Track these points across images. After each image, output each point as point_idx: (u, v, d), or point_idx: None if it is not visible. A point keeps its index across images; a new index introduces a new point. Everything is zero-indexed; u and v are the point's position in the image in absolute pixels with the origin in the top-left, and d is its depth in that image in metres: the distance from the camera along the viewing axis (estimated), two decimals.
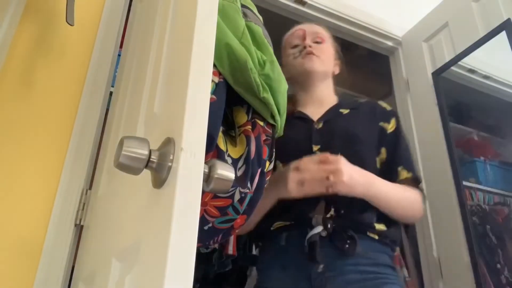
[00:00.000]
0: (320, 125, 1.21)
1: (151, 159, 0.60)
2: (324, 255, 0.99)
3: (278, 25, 2.07)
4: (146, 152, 0.60)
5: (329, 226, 1.03)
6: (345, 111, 1.25)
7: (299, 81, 1.31)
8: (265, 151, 0.97)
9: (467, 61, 1.72)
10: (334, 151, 1.07)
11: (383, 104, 1.27)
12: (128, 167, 0.59)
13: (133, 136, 0.64)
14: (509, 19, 1.49)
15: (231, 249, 1.45)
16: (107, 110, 1.26)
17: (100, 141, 1.21)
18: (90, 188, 1.14)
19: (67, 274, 1.04)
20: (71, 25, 1.09)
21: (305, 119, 1.25)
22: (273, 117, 1.01)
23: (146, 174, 0.64)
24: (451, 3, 1.80)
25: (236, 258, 1.48)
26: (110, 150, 1.09)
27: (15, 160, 1.08)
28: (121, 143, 0.59)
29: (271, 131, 1.02)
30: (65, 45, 1.25)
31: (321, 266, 1.01)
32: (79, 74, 1.23)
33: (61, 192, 1.09)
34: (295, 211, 1.07)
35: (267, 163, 1.00)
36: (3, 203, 1.03)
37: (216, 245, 1.40)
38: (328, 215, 1.05)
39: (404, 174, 1.12)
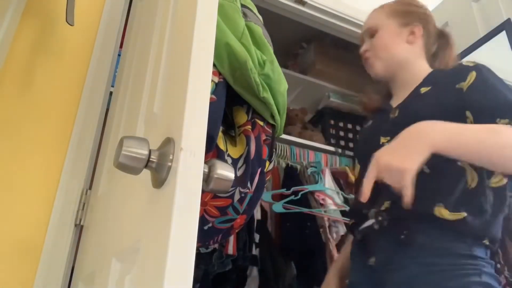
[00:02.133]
0: (396, 113, 1.08)
1: (151, 159, 0.60)
2: (379, 249, 0.95)
3: (278, 25, 2.07)
4: (146, 152, 0.60)
5: (380, 218, 0.97)
6: (425, 90, 1.08)
7: (382, 80, 1.22)
8: (265, 151, 0.98)
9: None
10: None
11: (467, 62, 1.07)
12: (128, 167, 0.60)
13: (133, 136, 0.64)
14: (509, 19, 1.48)
15: (231, 249, 1.45)
16: (107, 110, 1.26)
17: (100, 141, 1.21)
18: (90, 188, 1.14)
19: (67, 274, 1.04)
20: (71, 25, 1.09)
21: (385, 109, 1.14)
22: (273, 117, 1.01)
23: (146, 174, 0.64)
24: (451, 3, 1.80)
25: (236, 258, 1.48)
26: (110, 150, 1.09)
27: (15, 160, 1.08)
28: (121, 143, 0.59)
29: (271, 131, 1.02)
30: (65, 45, 1.25)
31: (372, 259, 0.97)
32: (79, 74, 1.23)
33: (61, 192, 1.09)
34: (357, 207, 1.09)
35: (267, 163, 1.00)
36: (3, 203, 1.03)
37: (216, 245, 1.40)
38: (383, 208, 0.98)
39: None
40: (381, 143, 1.06)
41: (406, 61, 1.15)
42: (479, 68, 1.02)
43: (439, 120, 0.85)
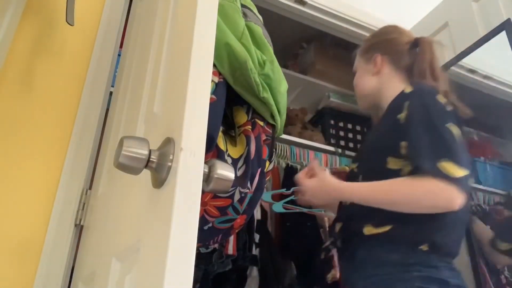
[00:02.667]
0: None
1: (151, 159, 0.60)
2: (341, 267, 1.10)
3: (278, 25, 2.07)
4: (146, 152, 0.60)
5: (334, 239, 1.14)
6: (383, 114, 1.18)
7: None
8: (265, 151, 0.98)
9: (467, 61, 1.72)
10: (359, 166, 1.17)
11: (407, 88, 1.11)
12: (128, 167, 0.60)
13: (133, 136, 0.64)
14: (509, 19, 1.48)
15: (231, 249, 1.45)
16: (107, 110, 1.26)
17: (100, 141, 1.21)
18: (90, 188, 1.14)
19: (67, 274, 1.04)
20: (71, 25, 1.09)
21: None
22: (273, 117, 1.01)
23: (146, 174, 0.64)
24: (451, 3, 1.80)
25: (236, 258, 1.48)
26: (110, 150, 1.09)
27: (15, 160, 1.07)
28: (121, 143, 0.59)
29: (271, 131, 1.02)
30: (65, 45, 1.25)
31: (329, 275, 1.15)
32: (79, 74, 1.23)
33: (61, 192, 1.09)
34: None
35: (267, 163, 1.00)
36: (3, 203, 1.03)
37: (216, 245, 1.40)
38: (337, 230, 1.13)
39: (392, 163, 1.04)
40: (352, 168, 1.22)
41: (378, 92, 1.24)
42: (412, 96, 1.07)
43: (375, 156, 1.09)
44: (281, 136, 1.42)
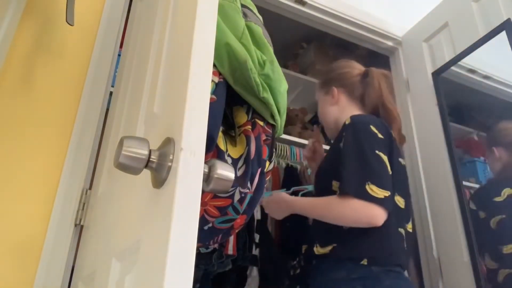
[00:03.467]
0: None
1: (151, 159, 0.60)
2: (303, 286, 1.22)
3: (278, 25, 2.07)
4: (146, 152, 0.60)
5: (299, 259, 1.31)
6: (332, 143, 1.36)
7: None
8: (265, 151, 0.98)
9: (467, 61, 1.72)
10: (315, 188, 1.36)
11: (347, 119, 1.24)
12: (128, 167, 0.60)
13: (133, 136, 0.64)
14: (509, 19, 1.48)
15: (231, 249, 1.45)
16: (107, 110, 1.26)
17: (100, 141, 1.21)
18: (90, 188, 1.14)
19: (67, 274, 1.04)
20: (71, 25, 1.09)
21: None
22: (273, 117, 1.01)
23: (146, 174, 0.64)
24: (451, 3, 1.80)
25: (236, 258, 1.48)
26: (110, 150, 1.09)
27: (15, 160, 1.08)
28: (121, 143, 0.59)
29: (271, 131, 1.02)
30: (65, 45, 1.25)
31: None
32: (79, 74, 1.23)
33: (61, 192, 1.09)
34: None
35: (267, 163, 1.00)
36: (3, 203, 1.03)
37: (216, 245, 1.40)
38: (303, 251, 1.26)
39: (335, 186, 1.21)
40: (312, 191, 1.44)
41: (337, 120, 1.37)
42: (349, 127, 1.22)
43: (324, 179, 1.27)
44: (281, 136, 1.42)
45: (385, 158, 1.14)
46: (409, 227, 1.22)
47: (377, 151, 1.14)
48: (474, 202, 1.63)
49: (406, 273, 1.19)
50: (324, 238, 1.17)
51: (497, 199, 1.58)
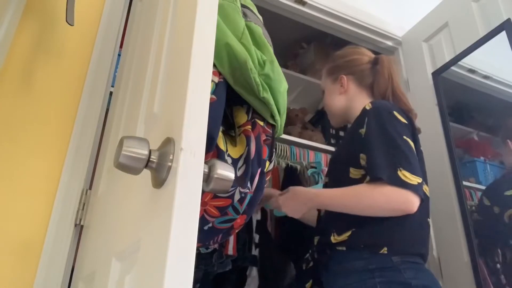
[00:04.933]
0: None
1: (151, 159, 0.60)
2: (317, 280, 1.14)
3: (278, 25, 2.07)
4: (146, 152, 0.60)
5: (312, 250, 1.22)
6: (348, 129, 1.31)
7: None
8: (265, 151, 0.97)
9: (467, 61, 1.72)
10: (329, 178, 1.29)
11: (367, 105, 1.19)
12: (128, 167, 0.60)
13: (133, 136, 0.64)
14: (509, 19, 1.48)
15: (231, 249, 1.45)
16: (107, 110, 1.26)
17: (100, 141, 1.21)
18: (90, 188, 1.14)
19: (67, 274, 1.04)
20: (71, 25, 1.09)
21: None
22: (273, 117, 1.01)
23: (146, 174, 0.64)
24: (451, 3, 1.80)
25: (236, 258, 1.47)
26: (110, 150, 1.09)
27: (15, 160, 1.08)
28: (121, 143, 0.59)
29: (271, 131, 1.02)
30: (65, 45, 1.25)
31: (307, 285, 1.17)
32: (79, 74, 1.23)
33: (61, 192, 1.09)
34: None
35: (267, 163, 1.00)
36: (3, 203, 1.03)
37: (216, 245, 1.40)
38: (315, 242, 1.21)
39: (354, 173, 1.14)
40: (324, 182, 1.33)
41: (346, 109, 1.34)
42: (371, 113, 1.16)
43: (340, 167, 1.20)
44: (281, 136, 1.42)
45: (412, 144, 1.09)
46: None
47: (404, 137, 1.08)
48: (488, 198, 1.60)
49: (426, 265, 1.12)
50: (341, 225, 1.09)
51: (508, 193, 1.56)
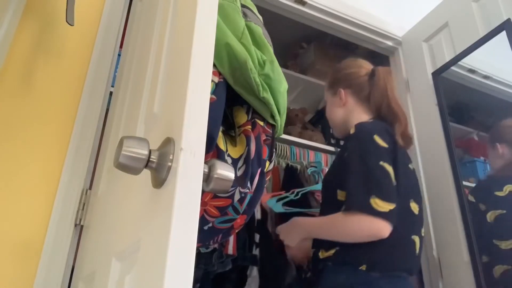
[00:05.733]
0: None
1: (150, 159, 0.60)
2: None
3: (278, 25, 2.07)
4: (146, 152, 0.60)
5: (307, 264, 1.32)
6: (338, 152, 1.38)
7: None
8: (265, 151, 0.97)
9: (467, 61, 1.72)
10: (322, 199, 1.35)
11: (352, 128, 1.23)
12: (128, 167, 0.60)
13: (133, 136, 0.64)
14: (509, 19, 1.48)
15: (231, 249, 1.45)
16: (107, 110, 1.26)
17: (100, 141, 1.21)
18: (90, 188, 1.14)
19: (67, 274, 1.04)
20: (71, 25, 1.09)
21: None
22: (273, 117, 1.01)
23: (146, 174, 0.64)
24: (451, 3, 1.80)
25: (236, 258, 1.48)
26: (110, 150, 1.09)
27: (15, 160, 1.08)
28: (121, 143, 0.59)
29: (271, 131, 1.02)
30: (65, 45, 1.25)
31: None
32: (79, 74, 1.23)
33: (61, 192, 1.09)
34: None
35: (267, 163, 1.00)
36: (3, 203, 1.03)
37: (216, 245, 1.40)
38: (310, 255, 1.27)
39: (340, 195, 1.20)
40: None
41: (345, 121, 1.37)
42: (353, 138, 1.22)
43: (330, 189, 1.25)
44: (281, 136, 1.42)
45: (389, 168, 1.13)
46: (423, 231, 1.22)
47: (381, 163, 1.12)
48: (473, 195, 1.62)
49: (412, 278, 1.17)
50: (328, 242, 1.16)
51: (499, 193, 1.57)
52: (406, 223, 1.13)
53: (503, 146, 1.73)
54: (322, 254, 1.17)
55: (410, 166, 1.25)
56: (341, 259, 1.13)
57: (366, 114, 1.34)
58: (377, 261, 1.10)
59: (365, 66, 1.42)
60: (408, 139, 1.28)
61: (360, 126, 1.23)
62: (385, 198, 1.08)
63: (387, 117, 1.30)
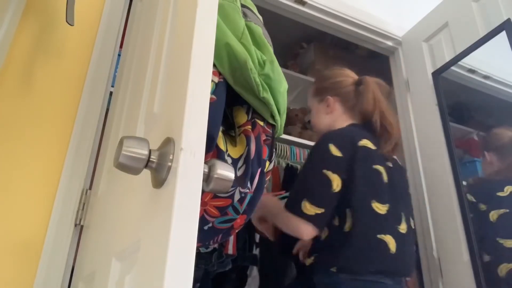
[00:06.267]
0: None
1: (150, 159, 0.60)
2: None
3: (278, 25, 2.07)
4: (146, 152, 0.60)
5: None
6: None
7: None
8: (265, 151, 0.97)
9: (467, 61, 1.72)
10: None
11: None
12: (128, 167, 0.60)
13: (133, 136, 0.64)
14: (509, 19, 1.48)
15: (231, 249, 1.45)
16: (107, 110, 1.26)
17: (100, 141, 1.21)
18: (90, 188, 1.14)
19: (67, 274, 1.04)
20: (71, 25, 1.09)
21: None
22: (273, 117, 1.01)
23: (146, 174, 0.64)
24: (451, 3, 1.80)
25: (236, 258, 1.48)
26: (110, 150, 1.09)
27: (15, 160, 1.08)
28: (121, 143, 0.59)
29: (271, 131, 1.02)
30: (65, 45, 1.25)
31: None
32: (79, 74, 1.23)
33: (61, 192, 1.09)
34: None
35: (267, 163, 1.00)
36: (3, 203, 1.03)
37: (216, 245, 1.40)
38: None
39: None
40: None
41: (330, 127, 1.38)
42: (313, 147, 1.29)
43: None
44: (281, 136, 1.42)
45: (333, 176, 1.17)
46: (402, 228, 1.20)
47: (324, 170, 1.18)
48: (473, 195, 1.62)
49: (393, 279, 1.16)
50: (311, 249, 1.24)
51: (501, 194, 1.58)
52: (370, 224, 1.16)
53: (490, 155, 1.75)
54: (308, 261, 1.23)
55: (378, 167, 1.23)
56: (319, 263, 1.20)
57: (352, 121, 1.38)
58: (346, 263, 1.14)
59: (351, 75, 1.46)
60: (395, 147, 1.32)
61: (325, 134, 1.29)
62: (315, 202, 1.15)
63: (375, 128, 1.32)
